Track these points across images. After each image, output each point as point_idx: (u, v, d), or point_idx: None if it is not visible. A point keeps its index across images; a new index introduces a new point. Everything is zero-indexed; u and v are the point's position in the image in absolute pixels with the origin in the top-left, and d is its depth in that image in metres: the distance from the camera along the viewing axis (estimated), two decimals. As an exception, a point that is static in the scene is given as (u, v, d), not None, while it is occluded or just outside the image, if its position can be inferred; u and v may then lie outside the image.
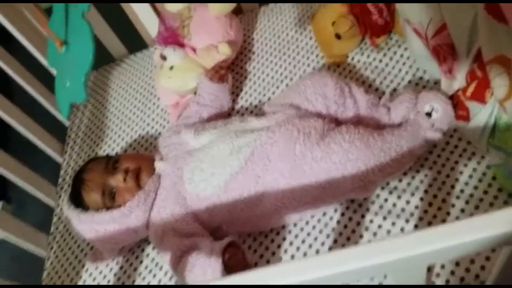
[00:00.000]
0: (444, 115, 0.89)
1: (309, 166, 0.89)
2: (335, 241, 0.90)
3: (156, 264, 1.01)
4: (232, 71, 1.26)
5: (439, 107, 0.89)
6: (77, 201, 1.02)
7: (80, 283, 1.07)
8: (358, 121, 0.97)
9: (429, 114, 0.90)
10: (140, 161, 1.04)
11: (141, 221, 0.98)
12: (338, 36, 1.07)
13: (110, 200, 0.99)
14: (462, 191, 0.86)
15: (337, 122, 0.98)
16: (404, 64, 1.06)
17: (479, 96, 0.85)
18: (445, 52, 0.91)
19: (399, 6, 1.01)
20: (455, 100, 0.92)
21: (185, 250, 0.90)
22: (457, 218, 0.84)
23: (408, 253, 0.47)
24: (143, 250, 1.05)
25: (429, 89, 0.97)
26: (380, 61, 1.08)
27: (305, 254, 0.91)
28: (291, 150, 0.90)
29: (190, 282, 0.86)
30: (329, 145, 0.88)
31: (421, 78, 1.03)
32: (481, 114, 0.85)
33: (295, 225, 0.95)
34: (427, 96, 0.92)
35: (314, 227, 0.93)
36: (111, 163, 1.02)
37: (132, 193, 0.99)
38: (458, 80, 0.92)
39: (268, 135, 0.93)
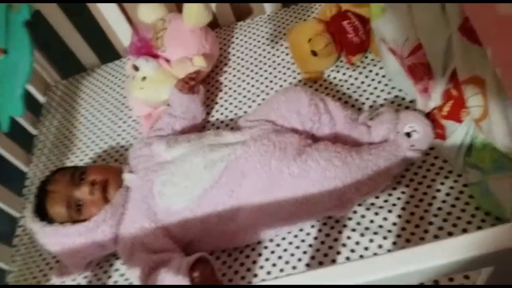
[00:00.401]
0: (424, 136, 0.90)
1: (286, 181, 0.88)
2: (313, 258, 0.89)
3: (125, 279, 0.97)
4: (208, 84, 1.25)
5: (420, 128, 0.90)
6: (42, 213, 0.97)
7: (44, 300, 1.01)
8: (336, 138, 0.98)
9: (408, 134, 0.91)
10: (108, 173, 1.00)
11: (109, 235, 0.94)
12: (314, 53, 1.07)
13: (76, 213, 0.95)
14: (440, 208, 0.87)
15: (314, 138, 0.97)
16: (379, 82, 1.07)
17: (455, 115, 0.86)
18: (420, 71, 0.93)
19: (374, 25, 1.03)
20: (431, 119, 0.93)
21: (153, 266, 0.86)
22: (436, 236, 0.84)
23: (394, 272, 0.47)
24: (111, 265, 1.01)
25: (409, 110, 0.98)
26: (356, 78, 1.10)
27: (281, 271, 0.89)
28: (267, 165, 0.89)
29: None
30: (306, 161, 0.88)
31: (396, 96, 1.05)
32: (457, 133, 0.86)
33: (271, 240, 0.93)
34: (408, 117, 0.92)
35: (291, 243, 0.92)
36: (77, 174, 0.98)
37: (99, 206, 0.95)
38: (434, 99, 0.93)
39: (243, 149, 0.92)
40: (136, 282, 0.92)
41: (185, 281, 0.79)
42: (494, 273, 0.55)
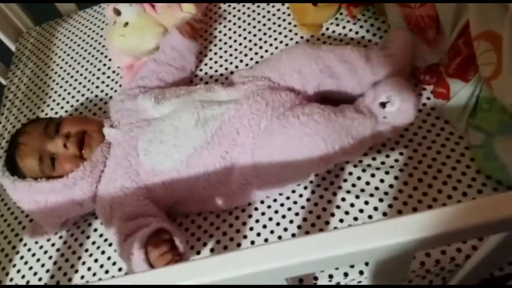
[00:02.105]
0: (399, 110, 0.79)
1: (268, 142, 0.82)
2: (305, 219, 0.84)
3: (105, 240, 0.91)
4: (206, 24, 1.16)
5: (397, 101, 0.79)
6: (12, 167, 0.89)
7: (17, 258, 0.94)
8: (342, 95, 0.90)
9: (383, 105, 0.80)
10: (86, 125, 0.92)
11: (87, 194, 0.87)
12: (314, 3, 1.00)
13: (49, 168, 0.87)
14: (439, 171, 0.83)
15: (317, 97, 0.90)
16: (381, 37, 1.01)
17: (462, 74, 0.81)
18: (425, 24, 0.87)
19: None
20: (435, 77, 0.88)
21: (128, 233, 0.79)
22: (434, 199, 0.80)
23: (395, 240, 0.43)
24: (90, 224, 0.94)
25: (396, 77, 0.85)
26: (357, 33, 1.03)
27: (272, 232, 0.85)
28: (256, 124, 0.83)
29: (134, 269, 0.75)
30: (287, 118, 0.81)
31: (397, 53, 0.98)
32: (463, 93, 0.81)
33: (262, 202, 0.89)
34: (388, 84, 0.82)
35: (282, 205, 0.87)
36: (52, 126, 0.89)
37: (73, 161, 0.87)
38: (438, 55, 0.88)
39: (237, 108, 0.85)
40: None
41: (140, 257, 0.72)
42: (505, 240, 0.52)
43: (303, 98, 0.89)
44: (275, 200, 0.88)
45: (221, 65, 1.10)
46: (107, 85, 1.17)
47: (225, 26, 1.15)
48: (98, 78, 1.19)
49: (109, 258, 0.89)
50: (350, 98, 0.89)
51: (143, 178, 0.86)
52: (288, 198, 0.88)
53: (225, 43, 1.13)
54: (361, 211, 0.83)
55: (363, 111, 0.81)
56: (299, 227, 0.84)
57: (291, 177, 0.85)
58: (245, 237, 0.85)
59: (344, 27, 1.04)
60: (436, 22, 0.85)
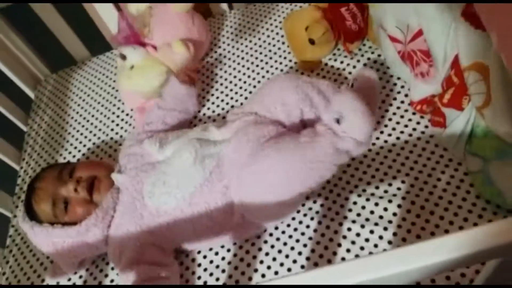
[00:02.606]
0: (352, 124, 0.81)
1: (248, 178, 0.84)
2: (313, 251, 0.87)
3: (123, 278, 0.95)
4: (201, 74, 1.22)
5: (348, 114, 0.81)
6: (30, 212, 0.94)
7: (39, 300, 0.99)
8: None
9: (338, 121, 0.82)
10: (97, 170, 0.96)
11: (100, 238, 0.92)
12: (311, 42, 1.05)
13: (61, 212, 0.91)
14: (440, 197, 0.85)
15: (306, 124, 0.93)
16: (378, 70, 1.05)
17: (456, 103, 0.84)
18: (418, 58, 0.91)
19: (373, 12, 1.00)
20: (431, 106, 0.92)
21: (145, 278, 0.84)
22: (437, 226, 0.83)
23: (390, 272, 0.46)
24: (107, 263, 0.98)
25: (344, 92, 0.87)
26: (354, 67, 1.07)
27: (281, 265, 0.88)
28: (239, 160, 0.85)
29: None
30: (264, 150, 0.83)
31: (395, 84, 1.02)
32: (458, 121, 0.84)
33: (270, 235, 0.92)
34: (339, 100, 0.85)
35: (290, 237, 0.90)
36: (66, 171, 0.94)
37: (84, 205, 0.91)
38: (432, 86, 0.92)
39: (227, 146, 0.90)
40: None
41: None
42: (501, 264, 0.54)
43: (285, 128, 0.91)
44: (283, 232, 0.91)
45: (227, 103, 1.15)
46: (121, 127, 1.23)
47: (229, 66, 1.21)
48: (112, 121, 1.25)
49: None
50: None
51: (147, 222, 0.89)
52: (296, 229, 0.91)
53: (230, 82, 1.18)
54: (367, 240, 0.85)
55: (323, 132, 0.83)
56: (307, 258, 0.87)
57: (277, 212, 0.87)
58: (255, 270, 0.88)
59: (342, 62, 1.09)
60: (428, 56, 0.88)
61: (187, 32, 1.18)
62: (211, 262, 0.92)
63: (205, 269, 0.91)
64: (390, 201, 0.88)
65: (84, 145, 1.23)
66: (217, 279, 0.90)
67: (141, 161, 0.96)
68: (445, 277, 0.77)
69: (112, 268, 0.97)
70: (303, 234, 0.90)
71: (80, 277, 0.99)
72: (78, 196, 0.92)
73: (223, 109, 1.14)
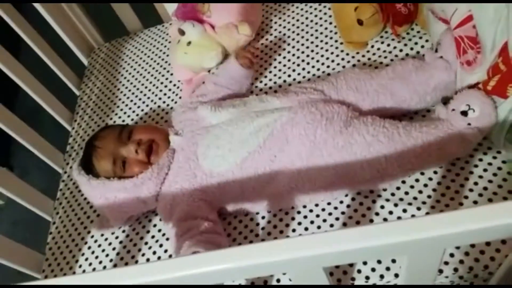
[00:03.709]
0: (481, 114, 0.85)
1: (329, 152, 0.89)
2: (344, 224, 0.90)
3: (163, 235, 1.01)
4: (257, 56, 1.25)
5: (477, 107, 0.85)
6: (88, 167, 1.01)
7: (85, 248, 1.06)
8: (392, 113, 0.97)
9: (465, 113, 0.86)
10: (154, 134, 1.03)
11: (152, 193, 0.98)
12: (360, 22, 1.06)
13: (120, 170, 0.99)
14: (476, 183, 0.86)
15: (364, 112, 0.96)
16: (424, 55, 1.05)
17: (501, 91, 0.84)
18: (465, 44, 0.91)
19: (424, -4, 1.01)
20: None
21: (181, 234, 0.89)
22: (470, 209, 0.84)
23: (430, 234, 0.48)
24: (150, 220, 1.05)
25: (467, 89, 0.91)
26: (401, 50, 1.08)
27: (313, 235, 0.91)
28: (312, 133, 0.90)
29: None
30: (352, 135, 0.88)
31: (440, 70, 1.03)
32: (501, 109, 0.84)
33: (304, 206, 0.95)
34: (464, 95, 0.88)
35: (323, 210, 0.94)
36: (125, 133, 1.01)
37: (143, 165, 0.98)
38: (477, 74, 0.92)
39: (290, 115, 0.93)
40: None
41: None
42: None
43: (354, 109, 0.95)
44: (316, 205, 0.94)
45: (270, 79, 1.18)
46: (168, 97, 1.28)
47: (275, 44, 1.24)
48: (160, 90, 1.31)
49: (165, 251, 0.99)
50: (407, 111, 0.96)
51: (200, 181, 0.95)
52: (329, 203, 0.94)
53: (275, 59, 1.21)
54: (399, 218, 0.88)
55: (439, 125, 0.87)
56: (339, 231, 0.90)
57: (342, 187, 0.92)
58: (287, 237, 0.92)
59: (388, 45, 1.10)
60: (476, 42, 0.88)
61: (245, 13, 1.20)
62: (246, 226, 0.97)
63: (240, 233, 0.96)
64: (425, 185, 0.90)
65: (133, 111, 1.30)
66: (251, 242, 0.94)
67: (196, 125, 1.02)
68: (473, 259, 0.79)
69: (154, 226, 1.04)
70: (336, 208, 0.93)
71: (123, 231, 1.05)
72: (137, 157, 0.98)
73: (274, 82, 1.18)
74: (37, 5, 1.32)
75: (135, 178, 0.96)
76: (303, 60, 1.18)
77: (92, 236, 1.08)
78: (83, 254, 1.06)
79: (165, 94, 1.29)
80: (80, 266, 1.04)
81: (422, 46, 1.07)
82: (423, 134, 0.86)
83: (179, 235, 0.90)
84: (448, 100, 0.91)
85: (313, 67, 1.15)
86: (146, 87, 1.34)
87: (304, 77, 1.14)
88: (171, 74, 1.32)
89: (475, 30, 0.88)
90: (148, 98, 1.31)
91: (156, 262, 0.52)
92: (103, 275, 0.53)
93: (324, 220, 0.92)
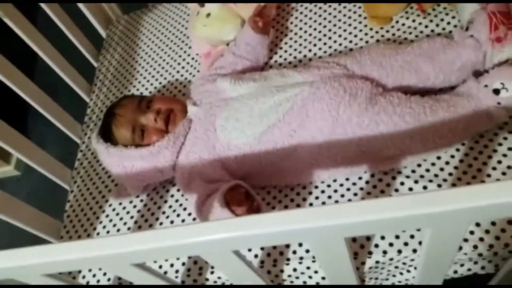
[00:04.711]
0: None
1: (353, 130, 0.88)
2: (362, 199, 0.90)
3: (180, 205, 1.02)
4: (273, 20, 1.23)
5: (511, 86, 0.82)
6: (107, 135, 1.02)
7: (103, 217, 1.08)
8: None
9: (497, 91, 0.83)
10: (173, 104, 1.03)
11: (169, 162, 0.98)
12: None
13: (139, 138, 0.99)
14: (499, 162, 0.85)
15: (387, 88, 0.94)
16: (450, 32, 1.03)
17: (530, 68, 0.83)
18: (498, 20, 0.88)
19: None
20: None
21: (209, 193, 0.89)
22: (493, 187, 0.83)
23: (457, 206, 0.47)
24: (167, 190, 1.05)
25: (504, 65, 0.88)
26: (426, 26, 1.05)
27: (331, 210, 0.91)
28: (335, 109, 0.88)
29: None
30: (379, 114, 0.86)
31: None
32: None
33: (322, 182, 0.95)
34: (500, 72, 0.84)
35: (341, 185, 0.93)
36: (144, 102, 1.01)
37: (160, 134, 0.98)
38: (507, 52, 0.89)
39: (311, 90, 0.91)
40: (191, 208, 0.96)
41: (220, 206, 0.81)
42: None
43: (377, 85, 0.93)
44: (334, 181, 0.94)
45: (290, 54, 1.17)
46: (186, 70, 1.28)
47: (296, 18, 1.22)
48: (178, 63, 1.30)
49: (183, 221, 0.99)
50: (431, 89, 0.94)
51: (218, 152, 0.95)
52: (347, 179, 0.93)
53: (296, 34, 1.19)
54: (419, 195, 0.87)
55: (466, 104, 0.85)
56: (357, 206, 0.89)
57: (363, 164, 0.91)
58: (305, 211, 0.92)
59: (414, 21, 1.07)
60: (508, 18, 0.86)
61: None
62: (263, 199, 0.97)
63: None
64: (447, 163, 0.88)
65: (151, 84, 1.29)
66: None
67: (215, 97, 1.01)
68: (494, 237, 0.78)
69: (172, 196, 1.04)
70: (354, 184, 0.92)
71: (141, 200, 1.06)
72: (156, 125, 0.99)
73: (294, 57, 1.16)
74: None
75: (151, 146, 0.96)
76: (325, 35, 1.16)
77: (110, 205, 1.09)
78: (100, 222, 1.07)
79: (183, 67, 1.29)
80: (98, 234, 1.06)
81: (448, 23, 1.04)
82: (450, 114, 0.84)
83: (207, 195, 0.89)
84: (480, 74, 0.89)
85: (335, 42, 1.13)
86: (164, 60, 1.33)
87: (325, 52, 1.13)
88: (189, 47, 1.31)
89: (508, 5, 0.86)
90: (166, 71, 1.30)
91: (171, 227, 0.52)
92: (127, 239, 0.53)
93: (342, 196, 0.92)
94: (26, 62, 1.52)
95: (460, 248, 0.78)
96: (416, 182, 0.88)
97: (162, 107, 1.00)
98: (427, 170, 0.89)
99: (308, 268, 0.87)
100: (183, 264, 0.94)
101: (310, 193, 0.94)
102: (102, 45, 1.50)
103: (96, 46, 1.50)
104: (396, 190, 0.89)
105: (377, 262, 0.84)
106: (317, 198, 0.93)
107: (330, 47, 1.13)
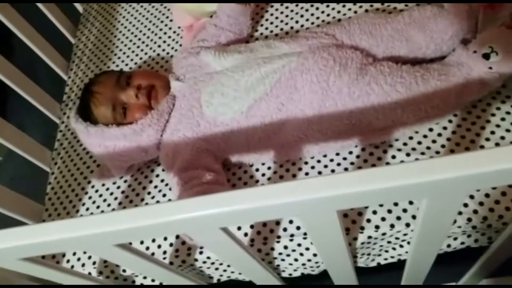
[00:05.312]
0: (503, 58, 0.79)
1: (343, 102, 0.85)
2: (354, 175, 0.87)
3: (166, 184, 0.98)
4: None
5: (500, 49, 0.79)
6: (85, 114, 0.97)
7: (86, 199, 1.04)
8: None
9: (487, 56, 0.81)
10: (154, 79, 0.99)
11: (153, 140, 0.94)
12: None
13: (120, 116, 0.94)
14: (493, 132, 0.83)
15: (377, 58, 0.92)
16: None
17: (523, 34, 0.80)
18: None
19: None
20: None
21: (182, 183, 0.86)
22: (486, 158, 0.81)
23: (454, 174, 0.45)
24: (152, 170, 1.02)
25: (492, 28, 0.85)
26: (416, -6, 1.02)
27: (321, 186, 0.88)
28: (325, 80, 0.85)
29: None
30: (370, 84, 0.84)
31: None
32: (523, 54, 0.80)
33: (312, 157, 0.92)
34: (488, 36, 0.82)
35: (332, 160, 0.91)
36: (123, 78, 0.96)
37: (144, 110, 0.94)
38: (501, 19, 0.87)
39: (300, 61, 0.88)
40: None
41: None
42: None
43: (367, 55, 0.90)
44: (325, 156, 0.91)
45: (276, 26, 1.13)
46: (168, 44, 1.22)
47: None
48: (160, 37, 1.25)
49: (169, 201, 0.96)
50: (421, 59, 0.91)
51: (203, 129, 0.92)
52: (337, 154, 0.91)
53: (281, 5, 1.15)
54: (410, 168, 0.85)
55: (457, 72, 0.83)
56: (348, 181, 0.87)
57: (354, 137, 0.88)
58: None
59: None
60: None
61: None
62: (251, 177, 0.94)
63: (245, 183, 0.93)
64: (439, 135, 0.86)
65: (131, 59, 1.24)
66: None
67: (199, 71, 0.97)
68: (488, 209, 0.76)
69: (157, 176, 1.01)
70: (345, 159, 0.90)
71: (125, 181, 1.02)
72: (138, 102, 0.94)
73: (280, 29, 1.12)
74: None
75: (134, 124, 0.92)
76: (312, 5, 1.11)
77: (93, 186, 1.05)
78: (83, 204, 1.03)
79: (164, 42, 1.23)
80: (81, 216, 1.02)
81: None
82: (442, 83, 0.82)
83: (180, 185, 0.87)
84: (469, 42, 0.86)
85: (322, 12, 1.09)
86: (144, 34, 1.27)
87: (313, 23, 1.09)
88: (171, 21, 1.25)
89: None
90: (147, 45, 1.25)
91: (156, 205, 0.49)
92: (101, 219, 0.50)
93: (333, 171, 0.89)
94: (1, 41, 1.46)
95: (454, 221, 0.77)
96: (408, 155, 0.86)
97: (143, 82, 0.96)
98: (419, 143, 0.87)
99: (299, 245, 0.85)
100: (171, 245, 0.91)
101: (300, 169, 0.92)
102: (80, 20, 1.43)
103: (73, 21, 1.43)
104: (388, 164, 0.86)
105: (370, 237, 0.82)
106: (307, 174, 0.91)
107: (317, 18, 1.09)
